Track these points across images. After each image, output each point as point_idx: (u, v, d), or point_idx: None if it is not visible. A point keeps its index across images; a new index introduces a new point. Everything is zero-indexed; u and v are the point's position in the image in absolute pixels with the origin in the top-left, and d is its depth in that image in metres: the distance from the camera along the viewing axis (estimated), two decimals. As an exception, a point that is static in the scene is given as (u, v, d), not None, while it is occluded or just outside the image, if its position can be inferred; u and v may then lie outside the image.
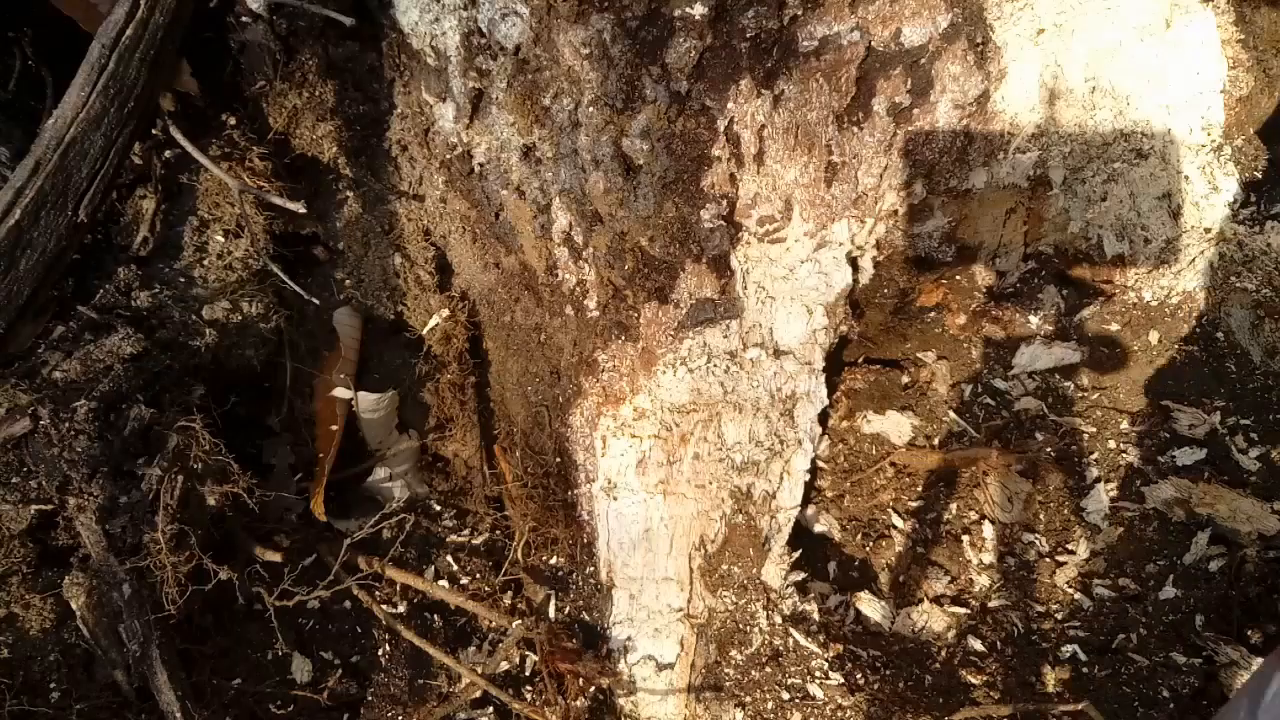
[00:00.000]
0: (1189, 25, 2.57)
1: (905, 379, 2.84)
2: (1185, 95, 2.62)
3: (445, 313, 2.78)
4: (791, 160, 2.34)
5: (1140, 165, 2.64)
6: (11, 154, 2.44)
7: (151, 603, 2.14)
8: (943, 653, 2.36)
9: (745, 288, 2.44)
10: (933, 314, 2.85)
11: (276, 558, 2.42)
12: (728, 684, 2.41)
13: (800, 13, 2.22)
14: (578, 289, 2.51)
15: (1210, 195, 2.68)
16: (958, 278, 2.82)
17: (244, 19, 2.58)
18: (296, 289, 2.56)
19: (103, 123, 2.27)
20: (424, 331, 2.82)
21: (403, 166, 2.75)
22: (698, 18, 2.19)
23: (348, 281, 2.82)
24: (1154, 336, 2.66)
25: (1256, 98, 2.68)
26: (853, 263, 2.53)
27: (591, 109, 2.33)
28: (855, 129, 2.34)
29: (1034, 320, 2.75)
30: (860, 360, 2.90)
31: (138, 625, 2.12)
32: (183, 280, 2.54)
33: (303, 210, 2.51)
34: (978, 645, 2.36)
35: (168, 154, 2.60)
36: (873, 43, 2.27)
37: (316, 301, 2.66)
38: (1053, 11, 2.44)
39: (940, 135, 2.42)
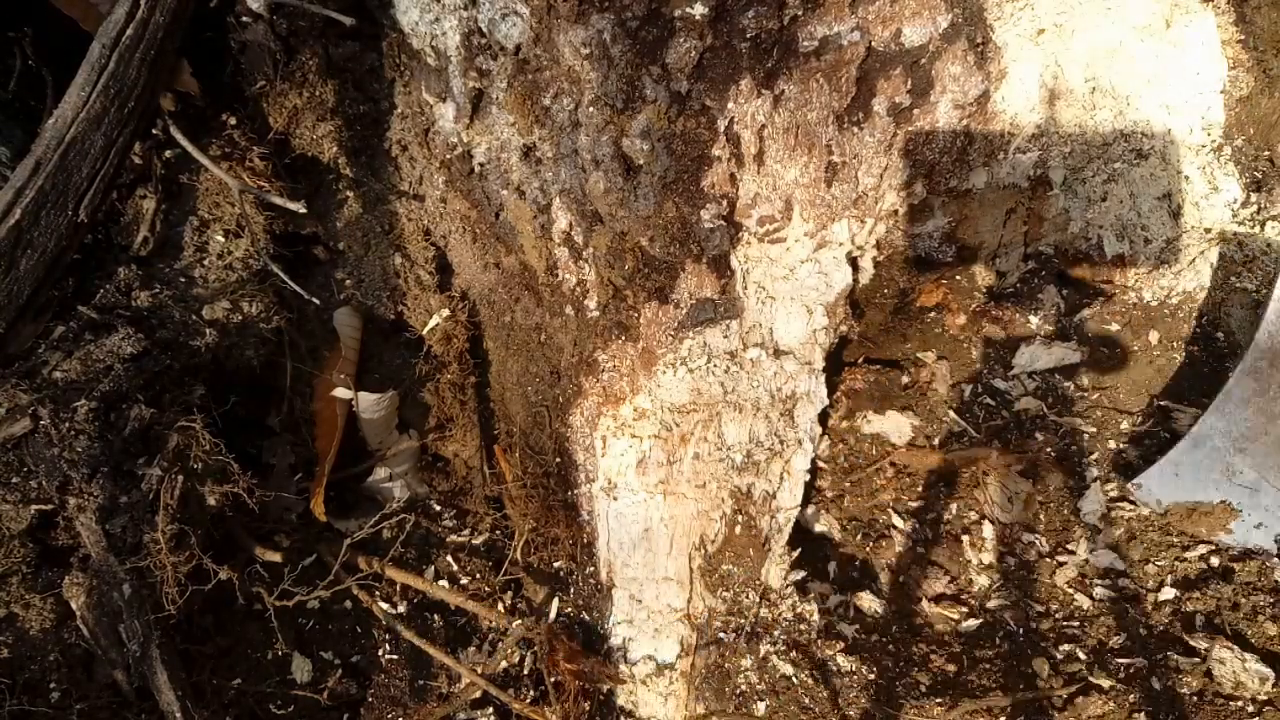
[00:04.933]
0: (1189, 25, 2.57)
1: (905, 379, 2.84)
2: (1185, 95, 2.62)
3: (445, 313, 2.78)
4: (792, 160, 2.34)
5: (1140, 165, 2.65)
6: (12, 154, 2.44)
7: (151, 603, 2.14)
8: (942, 652, 2.36)
9: (745, 288, 2.44)
10: (933, 314, 2.85)
11: (276, 558, 2.42)
12: (728, 685, 2.41)
13: (800, 13, 2.22)
14: (578, 289, 2.51)
15: (1210, 195, 2.68)
16: (958, 278, 2.82)
17: (244, 19, 2.58)
18: (297, 289, 2.56)
19: (103, 122, 2.27)
20: (424, 331, 2.82)
21: (403, 166, 2.75)
22: (698, 18, 2.20)
23: (348, 281, 2.82)
24: (1154, 337, 2.66)
25: (1256, 98, 2.68)
26: (853, 263, 2.53)
27: (592, 109, 2.33)
28: (855, 129, 2.34)
29: (1034, 320, 2.75)
30: (860, 360, 2.90)
31: (138, 625, 2.12)
32: (183, 280, 2.54)
33: (303, 210, 2.51)
34: (977, 645, 2.36)
35: (168, 154, 2.60)
36: (873, 43, 2.27)
37: (317, 301, 2.66)
38: (1053, 12, 2.44)
39: (940, 135, 2.42)
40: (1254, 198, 2.71)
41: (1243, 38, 2.61)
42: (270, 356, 2.66)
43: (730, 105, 2.28)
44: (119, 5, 2.32)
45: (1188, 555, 2.36)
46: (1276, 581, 2.19)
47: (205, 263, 2.58)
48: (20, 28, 2.54)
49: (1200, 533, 2.38)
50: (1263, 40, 2.62)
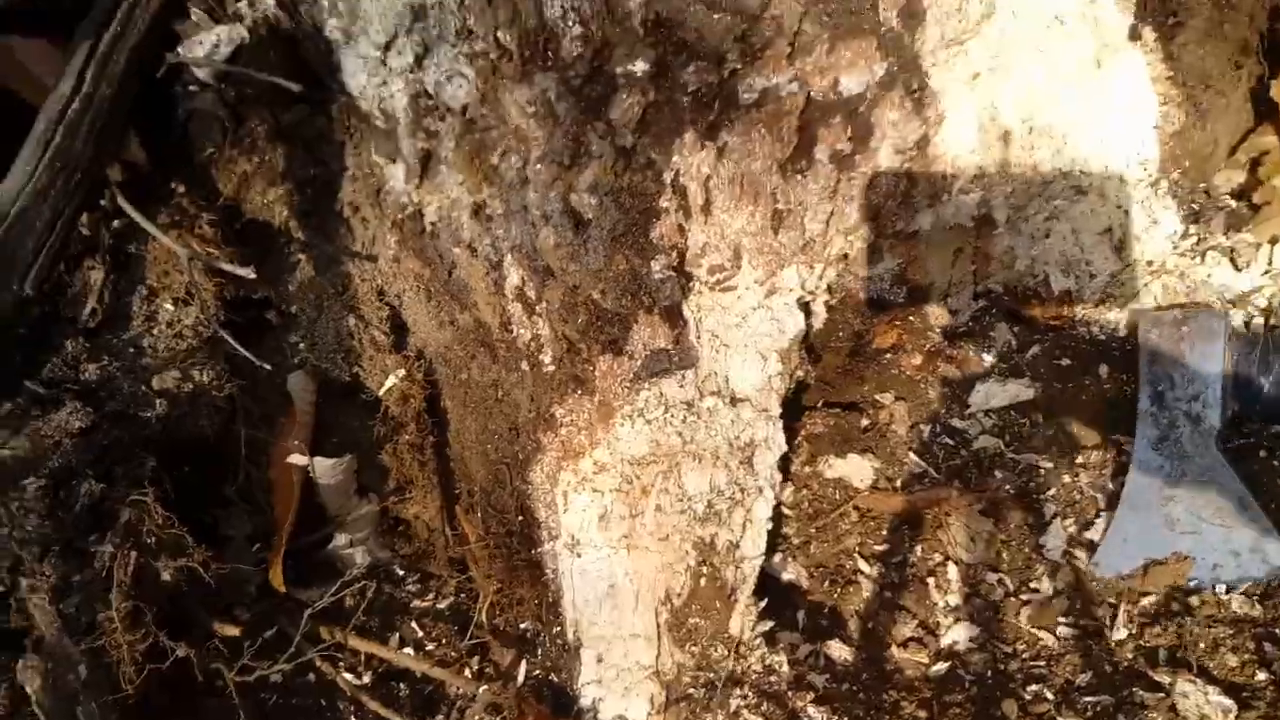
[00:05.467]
0: (1119, 64, 2.64)
1: (864, 421, 2.85)
2: (1120, 132, 2.69)
3: (401, 372, 2.76)
4: (738, 209, 2.37)
5: (1081, 201, 2.70)
6: (-46, 231, 2.42)
7: (108, 684, 2.09)
8: (913, 698, 2.34)
9: (699, 337, 2.45)
10: (888, 355, 2.87)
11: (235, 632, 2.37)
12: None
13: (739, 66, 2.27)
14: (532, 344, 2.51)
15: (1150, 229, 2.74)
16: (911, 318, 2.84)
17: (192, 87, 2.59)
18: (248, 355, 2.53)
19: (49, 196, 2.27)
20: (381, 392, 2.80)
21: (355, 228, 2.75)
22: (639, 74, 2.23)
23: (301, 345, 2.80)
24: (1104, 370, 2.69)
25: (1189, 132, 2.75)
26: (805, 308, 2.55)
27: (539, 165, 2.35)
28: (799, 177, 2.38)
29: (988, 358, 2.78)
30: (819, 404, 2.91)
31: (95, 708, 2.07)
32: (132, 350, 2.52)
33: (253, 275, 2.49)
34: (947, 689, 2.34)
35: (116, 224, 2.58)
36: (812, 93, 2.31)
37: (269, 367, 2.63)
38: (986, 55, 2.50)
39: (884, 180, 2.46)
40: (1193, 229, 2.77)
41: (1171, 74, 2.68)
42: (223, 425, 2.63)
43: (675, 158, 2.31)
44: (64, 79, 2.32)
45: (1149, 589, 2.36)
46: (1235, 613, 2.20)
47: (154, 332, 2.55)
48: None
49: (1164, 588, 2.35)
50: (1191, 76, 2.70)
